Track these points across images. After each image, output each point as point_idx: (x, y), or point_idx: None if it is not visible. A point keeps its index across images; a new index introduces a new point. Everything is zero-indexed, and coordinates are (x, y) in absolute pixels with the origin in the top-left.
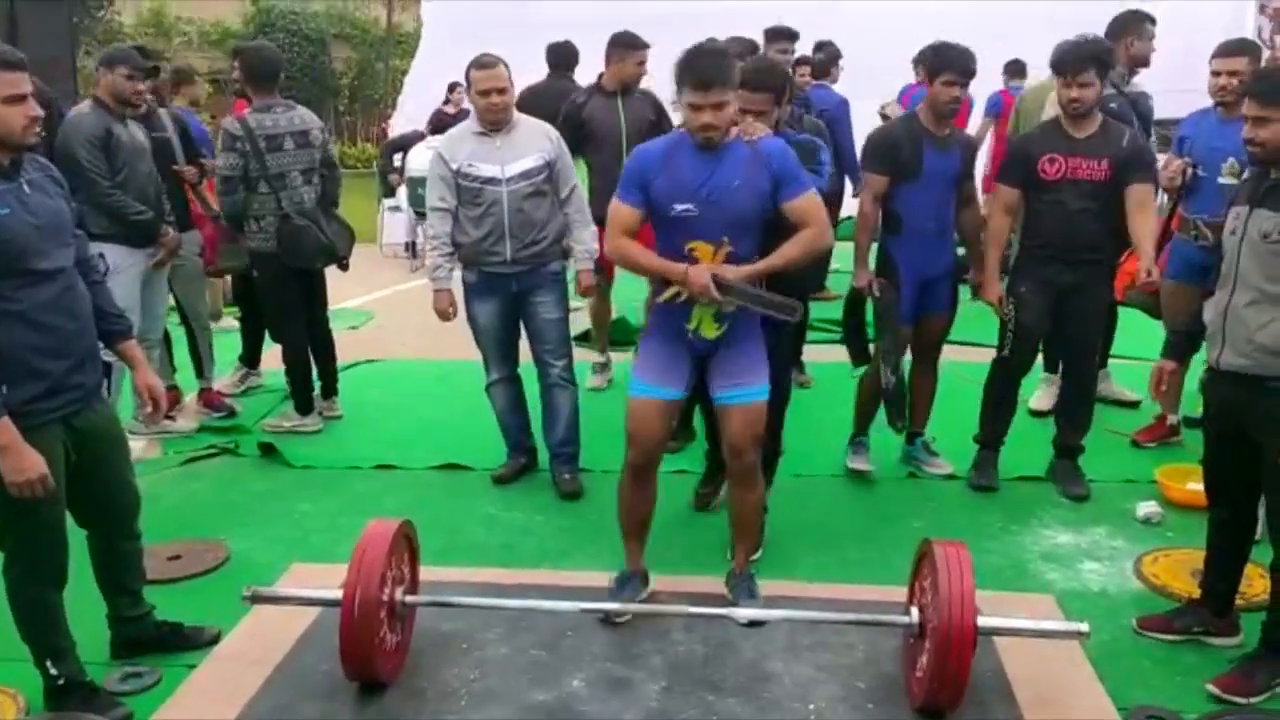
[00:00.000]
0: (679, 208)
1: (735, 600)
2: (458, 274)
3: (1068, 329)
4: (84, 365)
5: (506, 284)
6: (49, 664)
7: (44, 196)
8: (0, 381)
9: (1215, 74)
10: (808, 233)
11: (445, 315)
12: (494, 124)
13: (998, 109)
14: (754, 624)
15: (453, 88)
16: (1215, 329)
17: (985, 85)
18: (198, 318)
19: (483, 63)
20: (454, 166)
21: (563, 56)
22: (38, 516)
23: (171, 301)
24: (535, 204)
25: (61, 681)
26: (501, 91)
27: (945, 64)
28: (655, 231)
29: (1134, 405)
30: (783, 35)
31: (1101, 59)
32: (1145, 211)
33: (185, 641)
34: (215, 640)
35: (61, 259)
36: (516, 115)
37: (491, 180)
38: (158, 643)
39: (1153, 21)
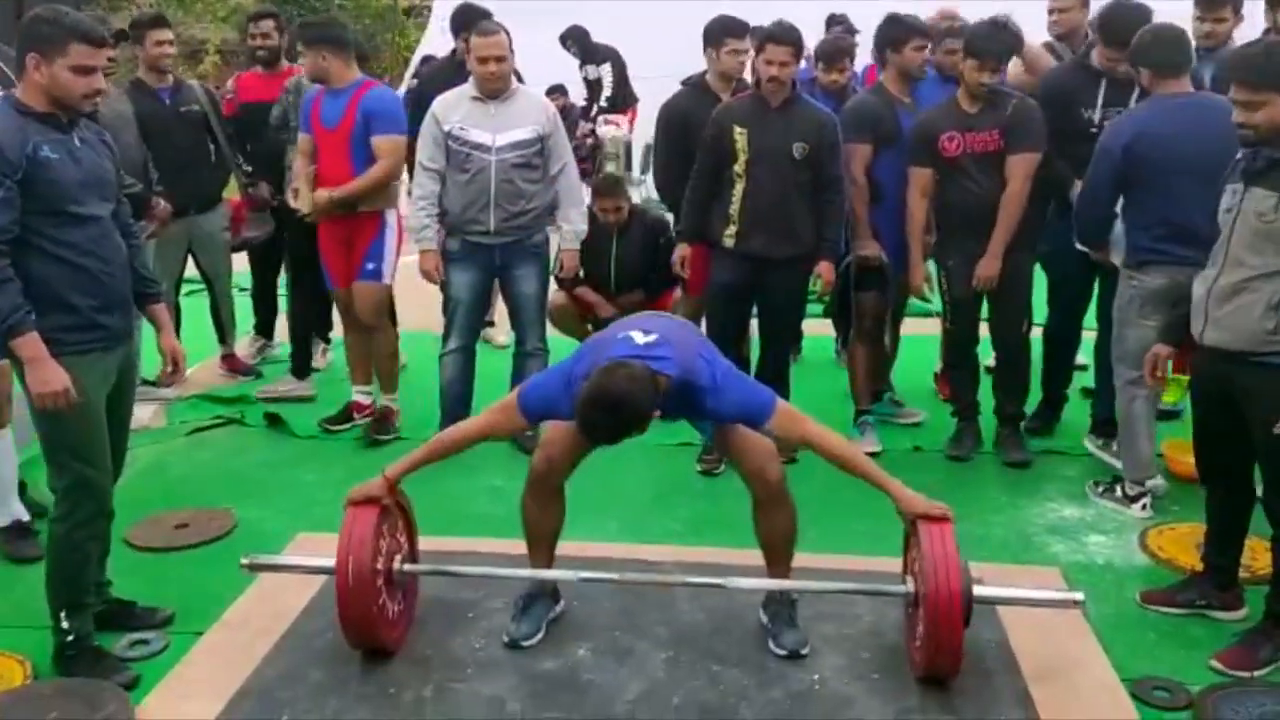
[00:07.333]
0: None
1: (775, 631)
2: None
3: (991, 297)
4: (111, 309)
5: (489, 255)
6: (63, 616)
7: (91, 153)
8: (29, 310)
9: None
10: None
11: (431, 277)
12: (491, 92)
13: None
14: (793, 655)
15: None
16: (1200, 304)
17: None
18: (222, 287)
19: (484, 29)
20: (445, 128)
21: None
22: (88, 443)
23: (193, 272)
24: (523, 175)
25: (71, 637)
26: (500, 59)
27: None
28: None
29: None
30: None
31: (1012, 48)
32: (1015, 183)
33: (135, 621)
34: (168, 622)
35: (99, 209)
36: (516, 85)
37: (481, 146)
38: (104, 619)
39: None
